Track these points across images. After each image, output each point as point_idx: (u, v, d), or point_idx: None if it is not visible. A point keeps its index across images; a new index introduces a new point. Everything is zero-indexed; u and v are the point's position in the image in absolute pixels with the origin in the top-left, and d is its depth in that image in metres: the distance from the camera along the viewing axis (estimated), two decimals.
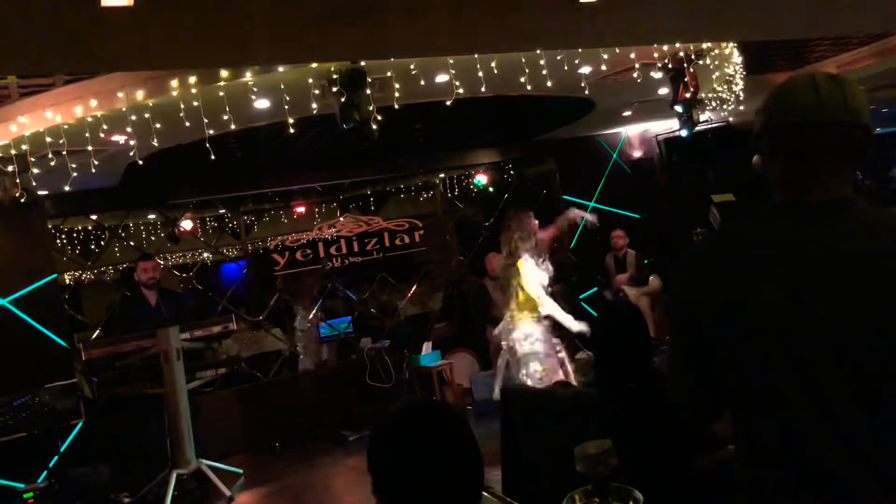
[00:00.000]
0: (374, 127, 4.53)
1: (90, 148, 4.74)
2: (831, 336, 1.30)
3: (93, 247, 8.81)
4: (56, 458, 5.63)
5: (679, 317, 1.56)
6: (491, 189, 9.58)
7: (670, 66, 5.50)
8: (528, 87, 5.02)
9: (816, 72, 1.46)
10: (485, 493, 1.58)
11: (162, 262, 8.12)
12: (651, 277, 8.32)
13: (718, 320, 1.43)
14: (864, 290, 1.30)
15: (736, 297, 1.39)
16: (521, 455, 2.99)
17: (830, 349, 1.30)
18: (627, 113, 7.79)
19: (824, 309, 1.31)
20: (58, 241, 8.24)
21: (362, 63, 4.41)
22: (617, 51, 5.00)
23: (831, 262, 1.33)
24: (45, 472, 5.58)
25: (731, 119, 8.98)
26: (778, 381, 1.34)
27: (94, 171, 5.04)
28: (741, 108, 7.67)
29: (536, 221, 5.22)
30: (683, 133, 6.33)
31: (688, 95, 5.60)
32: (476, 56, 4.57)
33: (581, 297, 8.40)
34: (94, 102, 4.45)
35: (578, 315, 7.96)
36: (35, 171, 4.97)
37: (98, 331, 7.21)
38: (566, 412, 2.82)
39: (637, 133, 9.26)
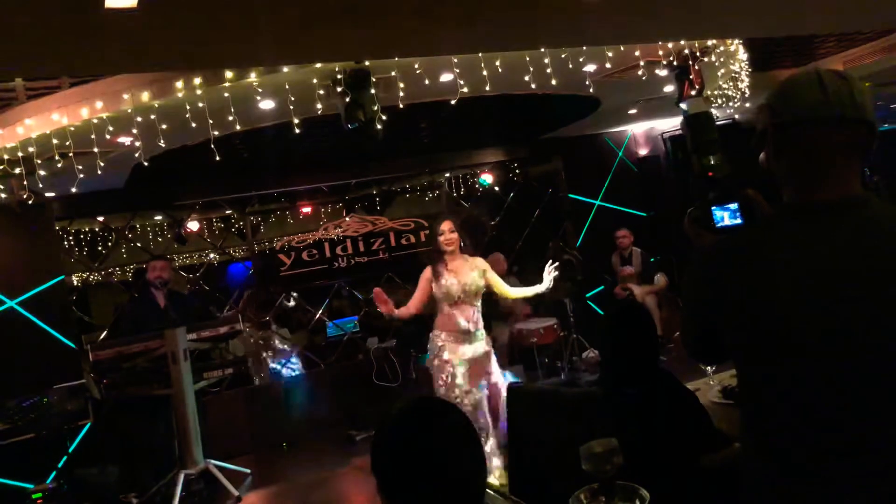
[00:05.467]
0: (379, 127, 4.53)
1: (96, 150, 4.75)
2: (860, 337, 1.29)
3: (100, 248, 8.84)
4: (65, 458, 5.66)
5: (693, 307, 1.57)
6: (497, 188, 9.57)
7: (675, 63, 5.48)
8: (533, 86, 5.02)
9: (820, 68, 1.43)
10: (489, 492, 1.58)
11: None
12: (657, 276, 8.30)
13: (740, 325, 1.41)
14: (887, 289, 1.29)
15: (760, 305, 1.37)
16: (526, 454, 2.99)
17: (861, 350, 1.29)
18: (633, 111, 7.77)
19: (852, 310, 1.30)
20: (65, 242, 8.27)
21: (366, 63, 4.41)
22: (622, 48, 4.99)
23: (853, 261, 1.31)
24: (53, 473, 5.60)
25: (737, 116, 8.95)
26: (807, 387, 1.33)
27: (100, 172, 5.06)
28: (747, 105, 7.64)
29: (442, 228, 4.61)
30: None
31: (693, 93, 5.59)
32: (480, 55, 4.57)
33: (588, 295, 8.39)
34: (99, 104, 4.47)
35: (585, 314, 8.04)
36: (42, 173, 4.99)
37: (106, 332, 7.24)
38: (572, 411, 2.81)
39: (643, 131, 9.24)
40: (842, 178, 1.39)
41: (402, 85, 4.68)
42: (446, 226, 4.63)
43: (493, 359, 4.70)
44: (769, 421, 1.40)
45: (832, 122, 1.37)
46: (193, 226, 8.54)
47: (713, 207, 1.72)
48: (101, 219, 7.90)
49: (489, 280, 4.69)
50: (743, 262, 1.41)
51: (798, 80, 1.43)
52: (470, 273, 4.57)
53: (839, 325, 1.30)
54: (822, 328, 1.31)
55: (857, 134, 1.39)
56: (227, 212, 9.05)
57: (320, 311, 8.43)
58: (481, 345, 4.62)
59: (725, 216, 1.71)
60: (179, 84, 4.33)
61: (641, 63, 5.33)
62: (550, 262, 4.84)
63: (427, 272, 4.65)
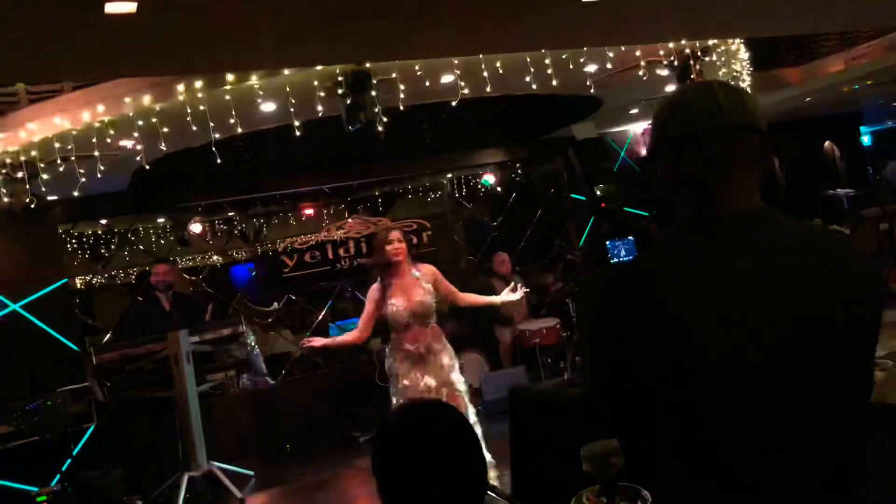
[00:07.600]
0: (381, 128, 4.54)
1: (98, 153, 4.77)
2: (770, 359, 1.22)
3: (103, 251, 8.86)
4: (69, 461, 5.67)
5: (595, 343, 1.44)
6: (499, 189, 9.57)
7: (676, 63, 5.48)
8: (534, 87, 5.02)
9: (709, 80, 1.39)
10: (490, 494, 1.58)
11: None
12: None
13: (649, 355, 1.28)
14: (800, 305, 1.23)
15: (664, 333, 1.25)
16: (529, 455, 2.99)
17: (773, 373, 1.22)
18: (635, 110, 7.77)
19: (762, 330, 1.22)
20: (68, 245, 8.29)
21: (367, 65, 4.42)
22: (623, 49, 4.99)
23: (760, 279, 1.24)
24: (58, 476, 5.61)
25: None
26: (722, 415, 1.24)
27: (101, 176, 5.08)
28: None
29: (391, 237, 4.33)
30: None
31: None
32: (481, 56, 4.57)
33: None
34: (101, 108, 4.49)
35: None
36: (44, 176, 5.01)
37: (110, 335, 7.25)
38: (573, 412, 2.81)
39: (645, 131, 9.23)
40: (741, 191, 1.32)
41: (402, 86, 4.68)
42: (395, 235, 4.33)
43: (455, 375, 4.39)
44: (687, 457, 1.30)
45: (727, 131, 1.31)
46: (196, 228, 8.56)
47: (606, 242, 1.65)
48: (104, 222, 7.93)
49: (440, 288, 4.40)
50: (642, 288, 1.29)
51: (689, 90, 1.38)
52: (419, 290, 4.27)
53: (748, 346, 1.22)
54: (729, 351, 1.22)
55: (752, 143, 1.32)
56: (230, 214, 9.06)
57: (323, 313, 8.43)
58: (439, 362, 4.33)
59: (620, 250, 1.64)
60: (181, 87, 4.34)
61: (642, 63, 5.33)
62: (514, 283, 4.72)
63: (374, 291, 4.36)
